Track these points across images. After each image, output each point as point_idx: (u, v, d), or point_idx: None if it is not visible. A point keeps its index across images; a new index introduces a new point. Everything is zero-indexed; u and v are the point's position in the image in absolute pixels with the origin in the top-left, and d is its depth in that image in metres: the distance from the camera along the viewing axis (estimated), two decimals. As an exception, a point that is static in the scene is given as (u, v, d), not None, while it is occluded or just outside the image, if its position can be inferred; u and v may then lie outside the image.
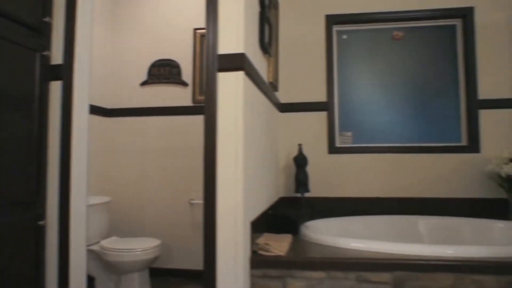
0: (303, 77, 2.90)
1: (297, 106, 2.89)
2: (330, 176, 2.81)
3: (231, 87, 1.65)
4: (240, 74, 1.65)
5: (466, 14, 2.79)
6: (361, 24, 2.94)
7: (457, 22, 2.86)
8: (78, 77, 1.90)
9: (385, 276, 1.63)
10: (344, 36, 2.98)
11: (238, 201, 1.61)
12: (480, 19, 2.77)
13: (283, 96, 2.90)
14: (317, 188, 2.80)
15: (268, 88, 2.28)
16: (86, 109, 1.92)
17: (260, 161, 2.06)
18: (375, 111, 2.87)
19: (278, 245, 1.78)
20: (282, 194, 2.86)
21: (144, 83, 3.18)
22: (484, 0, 2.76)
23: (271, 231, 2.08)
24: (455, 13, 2.81)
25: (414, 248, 1.69)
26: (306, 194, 2.74)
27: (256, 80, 1.92)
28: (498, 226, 2.32)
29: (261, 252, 1.75)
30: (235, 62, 1.65)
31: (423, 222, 2.46)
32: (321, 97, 2.87)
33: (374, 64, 2.92)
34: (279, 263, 1.70)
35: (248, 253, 1.71)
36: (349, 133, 2.86)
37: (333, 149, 2.82)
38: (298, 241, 1.98)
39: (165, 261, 3.09)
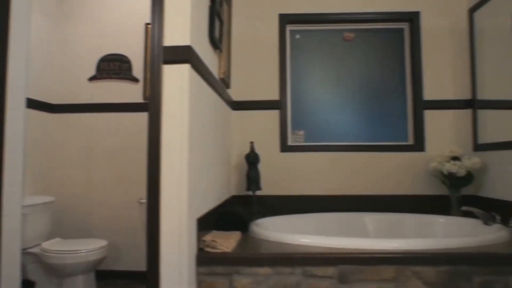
0: (256, 75, 2.90)
1: (250, 104, 2.88)
2: (282, 175, 2.82)
3: (176, 81, 1.61)
4: (186, 67, 1.61)
5: (412, 19, 2.90)
6: (314, 25, 2.98)
7: (405, 26, 2.97)
8: (13, 69, 1.78)
9: (330, 270, 1.65)
10: (298, 36, 3.01)
11: (183, 198, 1.57)
12: (425, 24, 2.89)
13: (236, 94, 2.88)
14: (270, 186, 2.80)
15: (219, 84, 2.25)
16: (23, 103, 1.80)
17: (209, 158, 2.03)
18: (327, 110, 2.92)
19: (225, 242, 1.75)
20: (234, 192, 2.83)
21: (92, 78, 3.05)
22: (429, 6, 2.89)
23: (220, 229, 2.05)
24: (403, 17, 2.91)
25: (358, 242, 1.72)
26: (258, 192, 2.73)
27: (205, 74, 1.89)
28: (439, 221, 2.42)
29: (207, 249, 1.72)
30: (181, 55, 1.61)
31: (370, 219, 2.53)
32: (274, 95, 2.88)
33: (327, 64, 2.97)
34: (226, 259, 1.67)
35: (194, 251, 1.67)
36: (301, 132, 2.89)
37: (285, 147, 2.83)
38: (247, 238, 1.96)
39: (113, 263, 2.97)
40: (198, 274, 1.68)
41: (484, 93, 2.64)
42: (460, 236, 1.82)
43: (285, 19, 2.93)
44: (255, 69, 2.90)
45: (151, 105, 1.60)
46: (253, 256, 1.67)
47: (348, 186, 2.79)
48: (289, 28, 2.99)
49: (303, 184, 2.81)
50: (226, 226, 2.05)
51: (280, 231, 2.03)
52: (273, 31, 2.92)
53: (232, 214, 2.07)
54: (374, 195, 2.77)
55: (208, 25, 2.03)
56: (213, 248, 1.71)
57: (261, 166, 2.78)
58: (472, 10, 2.78)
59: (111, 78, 3.03)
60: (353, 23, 2.96)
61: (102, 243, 2.53)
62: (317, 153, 2.82)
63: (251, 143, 2.67)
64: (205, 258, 1.68)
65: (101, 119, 3.05)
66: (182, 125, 1.59)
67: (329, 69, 2.96)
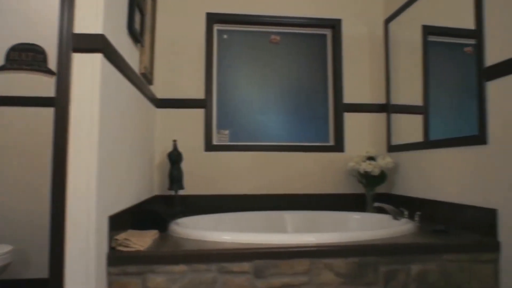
0: (181, 73, 2.85)
1: (174, 102, 2.82)
2: (207, 174, 2.80)
3: (87, 70, 1.52)
4: (98, 56, 1.53)
5: (335, 25, 3.04)
6: (242, 25, 3.01)
7: (328, 32, 3.10)
8: None
9: (246, 266, 1.65)
10: (225, 36, 3.01)
11: (91, 194, 1.48)
12: (346, 31, 3.04)
13: (160, 91, 2.81)
14: (194, 186, 2.76)
15: (139, 80, 2.18)
16: None
17: (126, 155, 1.94)
18: (252, 111, 2.95)
19: (139, 240, 1.68)
20: (157, 192, 2.75)
21: (0, 69, 2.79)
22: (350, 14, 3.05)
23: (138, 228, 1.97)
24: (326, 23, 3.04)
25: (273, 237, 1.75)
26: (182, 192, 2.68)
27: (122, 67, 1.81)
28: (354, 217, 2.55)
29: (119, 248, 1.64)
30: (93, 43, 1.52)
31: (290, 216, 2.59)
32: (199, 94, 2.85)
33: (253, 65, 3.00)
34: (138, 258, 1.61)
35: (105, 250, 1.58)
36: (226, 131, 2.89)
37: (210, 146, 2.82)
38: (166, 237, 1.91)
39: (21, 270, 2.73)
40: (109, 274, 1.59)
41: (397, 98, 2.84)
42: (368, 230, 1.92)
43: (213, 18, 2.92)
44: (181, 66, 2.85)
45: (58, 95, 1.49)
46: (168, 254, 1.63)
47: (271, 185, 2.84)
48: (216, 27, 2.98)
49: (228, 183, 2.81)
50: (143, 225, 1.97)
51: (200, 229, 2.00)
52: (200, 29, 2.90)
53: (149, 212, 2.01)
54: (296, 194, 2.85)
55: (127, 16, 1.95)
56: (126, 246, 1.64)
57: (185, 165, 2.72)
58: (388, 21, 2.98)
59: (22, 69, 2.79)
60: (279, 26, 3.03)
61: (7, 248, 2.32)
62: (242, 153, 2.84)
63: (174, 141, 2.61)
64: (116, 258, 1.60)
65: (10, 113, 2.79)
66: (92, 119, 1.51)
67: (256, 71, 3.00)
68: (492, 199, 1.85)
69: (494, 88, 1.86)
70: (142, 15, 2.20)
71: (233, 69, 2.97)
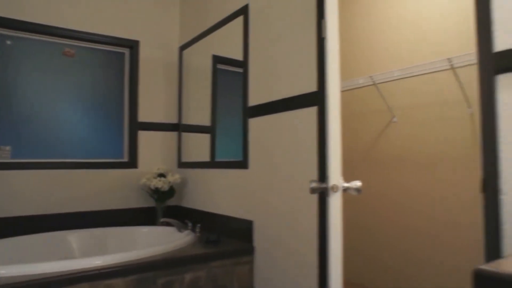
0: None
1: None
2: (-20, 195, 2.51)
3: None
4: None
5: (132, 46, 3.16)
6: (31, 33, 2.81)
7: (126, 51, 3.20)
8: None
9: (20, 298, 1.62)
10: (9, 42, 2.76)
11: None
12: (144, 52, 3.20)
13: None
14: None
15: None
16: None
17: None
18: (41, 125, 2.79)
19: None
20: None
21: None
22: (148, 37, 3.22)
23: None
24: (124, 43, 3.13)
25: (50, 266, 1.76)
26: None
27: None
28: (143, 231, 2.74)
29: None
30: None
31: (75, 236, 2.58)
32: (-27, 105, 2.54)
33: (44, 76, 2.84)
34: None
35: None
36: (7, 147, 2.66)
37: (-15, 164, 2.54)
38: None
39: None
40: None
41: (188, 119, 3.17)
42: (149, 246, 2.12)
43: (-8, 22, 2.64)
44: None
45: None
46: None
47: (61, 204, 2.75)
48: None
49: (9, 204, 2.59)
50: None
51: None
52: (-26, 32, 2.58)
53: None
54: (88, 212, 2.84)
55: None
56: None
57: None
58: (182, 48, 3.28)
59: None
60: (74, 40, 2.96)
61: None
62: (27, 171, 2.66)
63: None
64: None
65: None
66: None
67: (47, 82, 2.85)
68: (250, 213, 2.33)
69: (253, 124, 2.34)
70: None
71: (20, 79, 2.75)
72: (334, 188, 1.05)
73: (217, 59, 2.93)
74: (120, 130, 3.12)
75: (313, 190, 1.09)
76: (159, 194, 2.96)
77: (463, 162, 2.43)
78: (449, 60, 2.39)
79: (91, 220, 2.82)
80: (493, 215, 1.18)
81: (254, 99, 2.35)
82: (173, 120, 3.28)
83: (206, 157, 2.86)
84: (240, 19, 2.52)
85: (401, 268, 2.76)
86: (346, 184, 1.06)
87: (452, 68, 2.41)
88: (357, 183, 1.04)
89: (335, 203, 1.04)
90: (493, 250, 1.17)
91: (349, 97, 3.24)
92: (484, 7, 1.25)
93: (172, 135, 3.27)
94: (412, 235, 2.71)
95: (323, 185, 1.09)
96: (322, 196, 1.76)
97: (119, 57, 3.18)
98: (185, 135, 3.19)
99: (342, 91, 3.26)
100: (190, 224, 2.66)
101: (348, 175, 3.17)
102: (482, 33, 1.26)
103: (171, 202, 3.11)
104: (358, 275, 3.07)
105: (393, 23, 2.90)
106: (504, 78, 1.20)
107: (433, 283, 2.55)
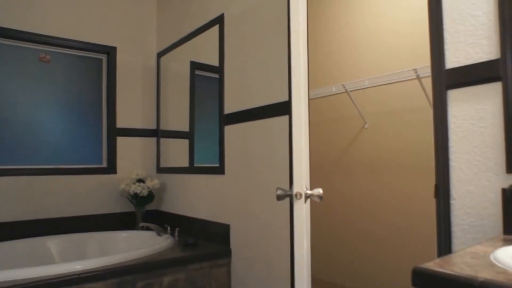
0: None
1: None
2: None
3: None
4: None
5: (109, 52, 3.20)
6: (5, 39, 2.81)
7: (103, 57, 3.23)
8: None
9: (1, 304, 1.66)
10: (-16, 48, 2.76)
11: None
12: (121, 59, 3.24)
13: None
14: None
15: None
16: None
17: None
18: (18, 131, 2.80)
19: None
20: None
21: None
22: (125, 44, 3.26)
23: None
24: (101, 49, 3.16)
25: (31, 271, 1.80)
26: None
27: None
28: (122, 236, 2.78)
29: None
30: None
31: (55, 242, 2.61)
32: None
33: (21, 82, 2.85)
34: None
35: None
36: (-16, 154, 2.66)
37: (-39, 172, 2.54)
38: None
39: None
40: None
41: (166, 125, 3.22)
42: (128, 251, 2.18)
43: (-33, 29, 2.64)
44: None
45: None
46: None
47: (38, 210, 2.77)
48: (-28, 39, 2.70)
49: (-16, 211, 2.60)
50: None
51: None
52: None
53: None
54: (68, 217, 2.86)
55: None
56: None
57: None
58: (160, 55, 3.34)
59: None
60: (50, 46, 2.98)
61: None
62: (4, 178, 2.67)
63: None
64: None
65: None
66: None
67: (25, 89, 2.85)
68: (226, 217, 2.41)
69: (229, 131, 2.43)
70: None
71: (-6, 86, 2.75)
72: (298, 195, 1.14)
73: (195, 65, 2.99)
74: (99, 136, 3.15)
75: (278, 197, 1.19)
76: (138, 199, 3.01)
77: (427, 167, 2.58)
78: (415, 70, 2.54)
79: (70, 226, 2.84)
80: (444, 218, 1.31)
81: (230, 107, 2.44)
82: (152, 126, 3.34)
83: (185, 163, 2.93)
84: (216, 28, 2.60)
85: (366, 269, 2.90)
86: (309, 192, 1.16)
87: (418, 78, 2.55)
88: (319, 191, 1.14)
89: (299, 210, 1.14)
90: (444, 250, 1.30)
91: (323, 104, 3.37)
92: (437, 28, 1.38)
93: (151, 140, 3.32)
94: (370, 238, 2.86)
95: (288, 192, 1.18)
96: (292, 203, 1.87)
97: (96, 63, 3.20)
98: (163, 140, 3.25)
99: (317, 99, 3.39)
100: (169, 228, 2.72)
101: (321, 181, 3.30)
102: (435, 51, 1.38)
103: (150, 206, 3.16)
104: (335, 276, 3.20)
105: (364, 35, 3.04)
106: (454, 93, 1.33)
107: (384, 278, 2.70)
